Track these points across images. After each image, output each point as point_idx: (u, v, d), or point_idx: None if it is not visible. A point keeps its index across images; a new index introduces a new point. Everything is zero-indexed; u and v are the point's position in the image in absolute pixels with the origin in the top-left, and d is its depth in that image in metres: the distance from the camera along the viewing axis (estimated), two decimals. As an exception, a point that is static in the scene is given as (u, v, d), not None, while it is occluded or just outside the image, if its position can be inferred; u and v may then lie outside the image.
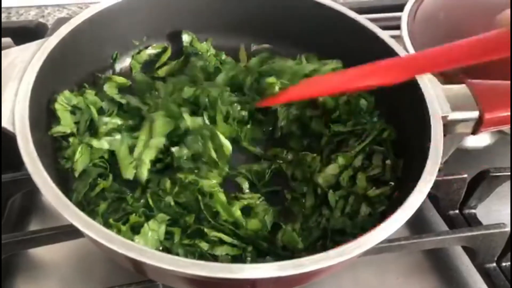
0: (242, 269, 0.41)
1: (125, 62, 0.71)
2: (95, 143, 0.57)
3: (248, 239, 0.53)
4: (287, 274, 0.41)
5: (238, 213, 0.54)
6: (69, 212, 0.42)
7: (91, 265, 0.60)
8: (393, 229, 0.44)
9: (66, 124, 0.57)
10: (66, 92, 0.58)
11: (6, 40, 0.82)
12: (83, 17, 0.62)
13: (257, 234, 0.53)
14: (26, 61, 0.54)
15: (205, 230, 0.52)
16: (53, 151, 0.55)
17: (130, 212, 0.52)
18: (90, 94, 0.61)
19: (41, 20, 0.95)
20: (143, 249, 0.41)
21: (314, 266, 0.41)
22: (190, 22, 0.72)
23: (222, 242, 0.52)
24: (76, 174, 0.56)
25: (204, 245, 0.51)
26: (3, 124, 0.49)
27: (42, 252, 0.60)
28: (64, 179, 0.55)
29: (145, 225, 0.50)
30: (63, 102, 0.57)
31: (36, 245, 0.56)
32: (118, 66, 0.70)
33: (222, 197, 0.54)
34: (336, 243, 0.51)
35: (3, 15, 0.97)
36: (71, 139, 0.57)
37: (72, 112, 0.59)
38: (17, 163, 0.63)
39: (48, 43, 0.57)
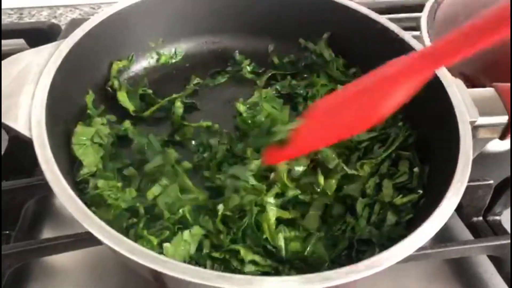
0: (267, 281, 0.39)
1: (140, 64, 0.70)
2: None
3: (284, 260, 0.50)
4: (313, 287, 0.39)
5: (281, 241, 0.50)
6: (88, 221, 0.41)
7: (106, 273, 0.59)
8: (423, 240, 0.43)
9: (89, 163, 0.53)
10: (79, 128, 0.56)
11: (19, 41, 0.81)
12: (99, 18, 0.61)
13: (296, 255, 0.50)
14: (42, 64, 0.53)
15: (241, 251, 0.48)
16: (70, 156, 0.54)
17: (165, 227, 0.50)
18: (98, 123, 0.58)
19: (53, 20, 0.94)
20: (166, 261, 0.39)
21: (342, 280, 0.40)
22: (207, 24, 0.71)
23: (255, 263, 0.49)
24: None
25: (235, 263, 0.48)
26: (20, 129, 0.47)
27: (56, 259, 0.59)
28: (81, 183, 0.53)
29: (179, 234, 0.48)
30: (80, 140, 0.54)
31: (52, 253, 0.55)
32: (133, 68, 0.69)
33: (272, 215, 0.51)
34: (362, 253, 0.50)
35: (15, 16, 0.96)
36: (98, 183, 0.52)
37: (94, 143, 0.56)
38: (30, 168, 0.63)
39: (63, 46, 0.56)
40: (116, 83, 0.64)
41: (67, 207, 0.42)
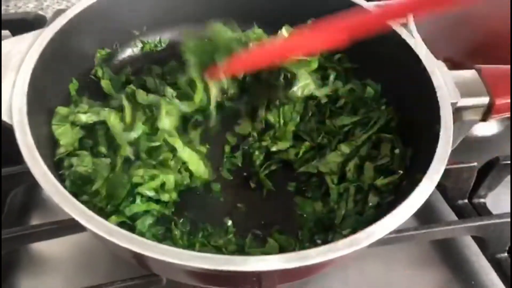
0: (246, 261, 0.39)
1: (124, 53, 0.70)
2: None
3: None
4: (293, 266, 0.39)
5: None
6: (69, 205, 0.41)
7: (94, 260, 0.59)
8: (403, 218, 0.43)
9: (66, 143, 0.54)
10: (60, 109, 0.55)
11: (4, 32, 0.80)
12: (81, 6, 0.61)
13: None
14: (23, 52, 0.53)
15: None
16: (52, 142, 0.54)
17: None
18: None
19: (39, 12, 0.94)
20: (146, 242, 0.39)
21: (320, 258, 0.40)
22: (192, 11, 0.70)
23: None
24: None
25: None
26: (2, 117, 0.48)
27: (44, 247, 0.59)
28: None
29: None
30: (59, 120, 0.55)
31: (37, 240, 0.55)
32: (117, 57, 0.69)
33: None
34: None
35: (1, 7, 0.96)
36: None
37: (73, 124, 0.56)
38: (18, 157, 0.63)
39: (45, 34, 0.56)
40: (99, 72, 0.64)
41: (47, 191, 0.42)
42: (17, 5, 0.96)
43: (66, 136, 0.53)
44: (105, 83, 0.63)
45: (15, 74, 0.51)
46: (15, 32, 0.80)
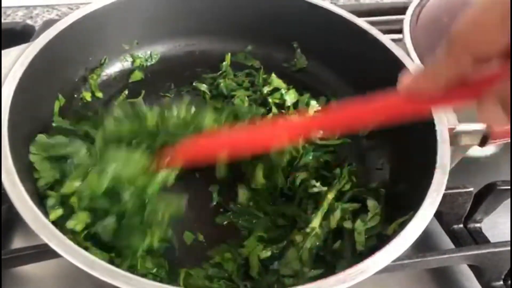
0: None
1: (114, 67, 0.68)
2: None
3: None
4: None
5: None
6: (48, 234, 0.39)
7: (78, 282, 0.57)
8: (397, 252, 0.42)
9: (47, 176, 0.49)
10: (39, 138, 0.51)
11: (-9, 43, 0.78)
12: (70, 20, 0.59)
13: None
14: (7, 67, 0.51)
15: None
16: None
17: None
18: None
19: (29, 21, 0.92)
20: (128, 276, 0.37)
21: (312, 296, 0.38)
22: (184, 26, 0.69)
23: None
24: None
25: None
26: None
27: (26, 269, 0.57)
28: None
29: None
30: (38, 150, 0.50)
31: (19, 264, 0.53)
32: (106, 71, 0.67)
33: None
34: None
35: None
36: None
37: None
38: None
39: (31, 49, 0.54)
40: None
41: (26, 220, 0.40)
42: (6, 13, 0.94)
43: (45, 167, 0.50)
44: None
45: (-3, 91, 0.49)
46: (2, 43, 0.79)
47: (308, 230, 0.52)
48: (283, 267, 0.50)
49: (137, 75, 0.69)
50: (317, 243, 0.52)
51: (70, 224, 0.46)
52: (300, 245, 0.51)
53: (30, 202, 0.41)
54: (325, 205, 0.54)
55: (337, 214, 0.53)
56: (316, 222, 0.53)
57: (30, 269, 0.57)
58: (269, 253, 0.51)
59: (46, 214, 0.43)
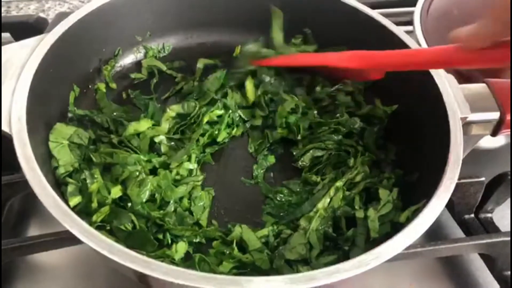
0: (251, 282, 0.38)
1: (127, 59, 0.69)
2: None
3: None
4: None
5: None
6: (68, 220, 0.40)
7: (93, 270, 0.58)
8: (411, 239, 0.42)
9: (66, 163, 0.51)
10: (58, 126, 0.53)
11: (5, 35, 0.79)
12: (84, 12, 0.59)
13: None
14: (24, 58, 0.52)
15: None
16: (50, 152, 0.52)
17: None
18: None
19: (41, 14, 0.92)
20: (149, 261, 0.38)
21: (327, 280, 0.39)
22: (196, 17, 0.70)
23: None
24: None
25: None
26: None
27: (42, 257, 0.58)
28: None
29: None
30: (57, 138, 0.52)
31: (35, 252, 0.54)
32: (120, 63, 0.68)
33: None
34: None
35: (2, 9, 0.94)
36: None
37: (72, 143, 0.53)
38: (16, 164, 0.62)
39: (46, 40, 0.55)
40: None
41: (47, 206, 0.41)
42: (18, 6, 0.95)
43: (64, 155, 0.51)
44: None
45: (15, 82, 0.50)
46: (16, 35, 0.80)
47: (311, 214, 0.54)
48: (288, 252, 0.51)
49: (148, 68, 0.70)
50: (324, 226, 0.53)
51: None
52: (307, 227, 0.53)
53: (50, 189, 0.42)
54: (331, 192, 0.55)
55: (339, 195, 0.55)
56: (321, 204, 0.54)
57: (44, 258, 0.58)
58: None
59: (64, 201, 0.44)
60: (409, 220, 0.46)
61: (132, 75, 0.68)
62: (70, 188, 0.49)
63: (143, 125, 0.59)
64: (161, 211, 0.53)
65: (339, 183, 0.56)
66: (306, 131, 0.63)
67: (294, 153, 0.63)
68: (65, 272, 0.58)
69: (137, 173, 0.52)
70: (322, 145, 0.62)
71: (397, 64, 0.55)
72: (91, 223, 0.49)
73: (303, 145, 0.63)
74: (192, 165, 0.58)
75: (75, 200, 0.48)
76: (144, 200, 0.52)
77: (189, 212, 0.55)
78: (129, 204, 0.52)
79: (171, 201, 0.54)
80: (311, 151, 0.62)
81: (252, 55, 0.66)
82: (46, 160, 0.49)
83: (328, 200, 0.55)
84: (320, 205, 0.55)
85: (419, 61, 0.52)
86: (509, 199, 0.64)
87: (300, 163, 0.62)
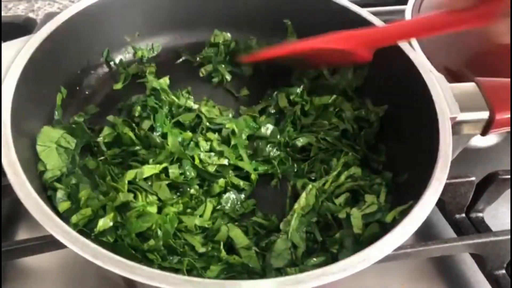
0: (238, 285, 0.38)
1: (116, 59, 0.68)
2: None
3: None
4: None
5: None
6: (52, 225, 0.40)
7: (82, 274, 0.57)
8: (399, 241, 0.42)
9: (53, 167, 0.50)
10: (45, 129, 0.52)
11: (-7, 36, 0.78)
12: (71, 12, 0.59)
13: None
14: (9, 60, 0.51)
15: None
16: (36, 156, 0.51)
17: None
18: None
19: (30, 14, 0.92)
20: (133, 266, 0.38)
21: (315, 282, 0.38)
22: (185, 17, 0.69)
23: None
24: None
25: None
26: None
27: (31, 261, 0.57)
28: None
29: None
30: (44, 142, 0.51)
31: (22, 256, 0.53)
32: (108, 64, 0.67)
33: None
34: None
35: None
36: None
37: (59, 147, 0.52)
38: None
39: (33, 41, 0.54)
40: None
41: (30, 210, 0.40)
42: (7, 7, 0.94)
43: (51, 158, 0.50)
44: None
45: (-1, 84, 0.49)
46: (4, 36, 0.78)
47: (288, 217, 0.53)
48: (275, 260, 0.50)
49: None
50: (306, 225, 0.53)
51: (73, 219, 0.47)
52: (287, 230, 0.52)
53: (34, 194, 0.41)
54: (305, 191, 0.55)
55: (312, 193, 0.55)
56: (297, 204, 0.54)
57: (33, 262, 0.57)
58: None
59: (50, 205, 0.43)
60: (395, 220, 0.45)
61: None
62: (59, 194, 0.48)
63: (148, 171, 0.53)
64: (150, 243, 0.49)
65: (313, 183, 0.56)
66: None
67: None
68: (54, 276, 0.57)
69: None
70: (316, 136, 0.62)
71: (392, 36, 0.57)
72: (72, 225, 0.48)
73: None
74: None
75: (64, 206, 0.47)
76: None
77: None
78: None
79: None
80: (306, 135, 0.62)
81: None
82: (32, 164, 0.49)
83: (303, 199, 0.54)
84: (296, 204, 0.54)
85: (410, 30, 0.57)
86: (499, 198, 0.64)
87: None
